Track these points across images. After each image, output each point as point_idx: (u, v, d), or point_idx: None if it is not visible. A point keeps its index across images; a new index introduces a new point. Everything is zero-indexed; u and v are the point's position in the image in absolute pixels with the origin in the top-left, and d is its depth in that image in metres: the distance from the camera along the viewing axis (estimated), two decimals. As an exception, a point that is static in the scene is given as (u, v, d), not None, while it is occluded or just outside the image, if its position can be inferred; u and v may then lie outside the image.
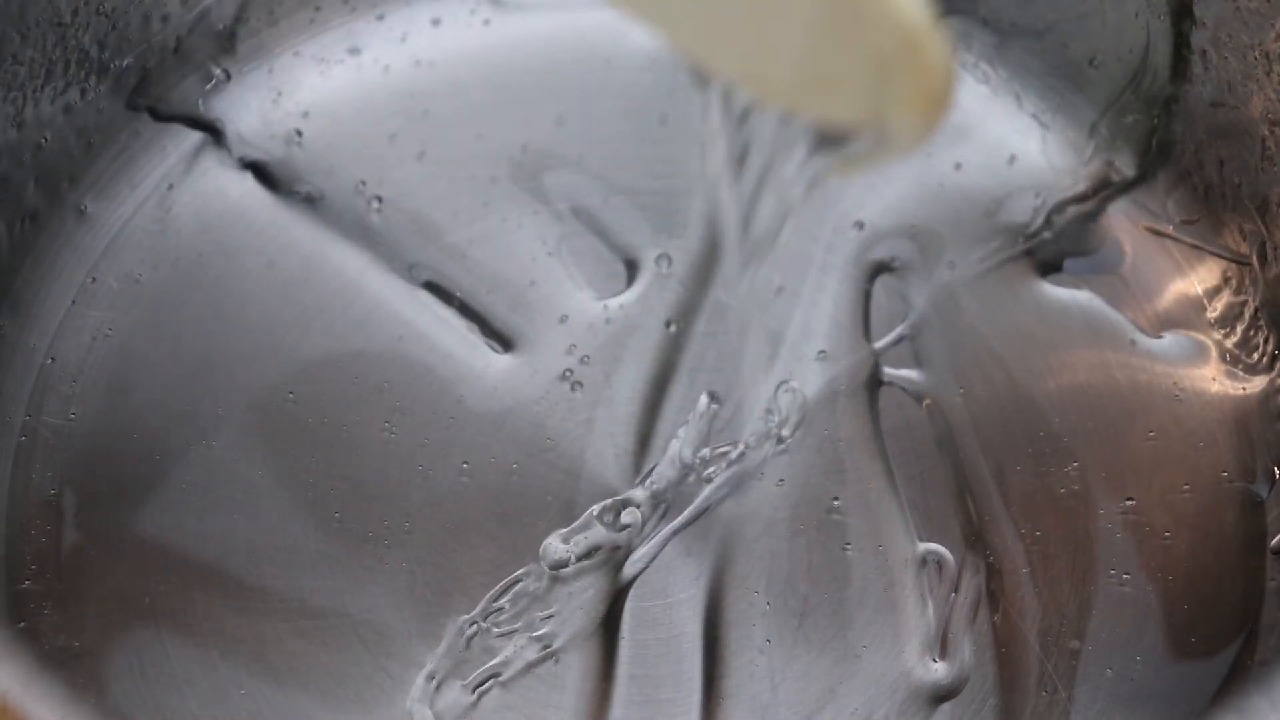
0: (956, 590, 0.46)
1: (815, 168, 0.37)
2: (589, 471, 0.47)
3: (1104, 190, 0.52)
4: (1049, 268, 0.52)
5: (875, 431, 0.48)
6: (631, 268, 0.51)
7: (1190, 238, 0.51)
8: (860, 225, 0.52)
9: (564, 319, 0.50)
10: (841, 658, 0.45)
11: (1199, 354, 0.50)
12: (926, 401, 0.49)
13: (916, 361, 0.50)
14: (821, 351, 0.49)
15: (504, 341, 0.49)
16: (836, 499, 0.47)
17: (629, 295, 0.50)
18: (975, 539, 0.47)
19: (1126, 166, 0.52)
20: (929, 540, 0.47)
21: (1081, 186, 0.53)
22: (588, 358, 0.49)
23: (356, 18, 0.55)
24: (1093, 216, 0.52)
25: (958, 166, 0.53)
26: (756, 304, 0.45)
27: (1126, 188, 0.52)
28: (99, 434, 0.47)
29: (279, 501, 0.47)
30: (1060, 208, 0.52)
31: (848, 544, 0.47)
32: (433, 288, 0.50)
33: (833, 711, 0.44)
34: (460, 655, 0.45)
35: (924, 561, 0.46)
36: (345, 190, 0.52)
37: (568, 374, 0.49)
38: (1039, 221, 0.52)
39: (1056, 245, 0.52)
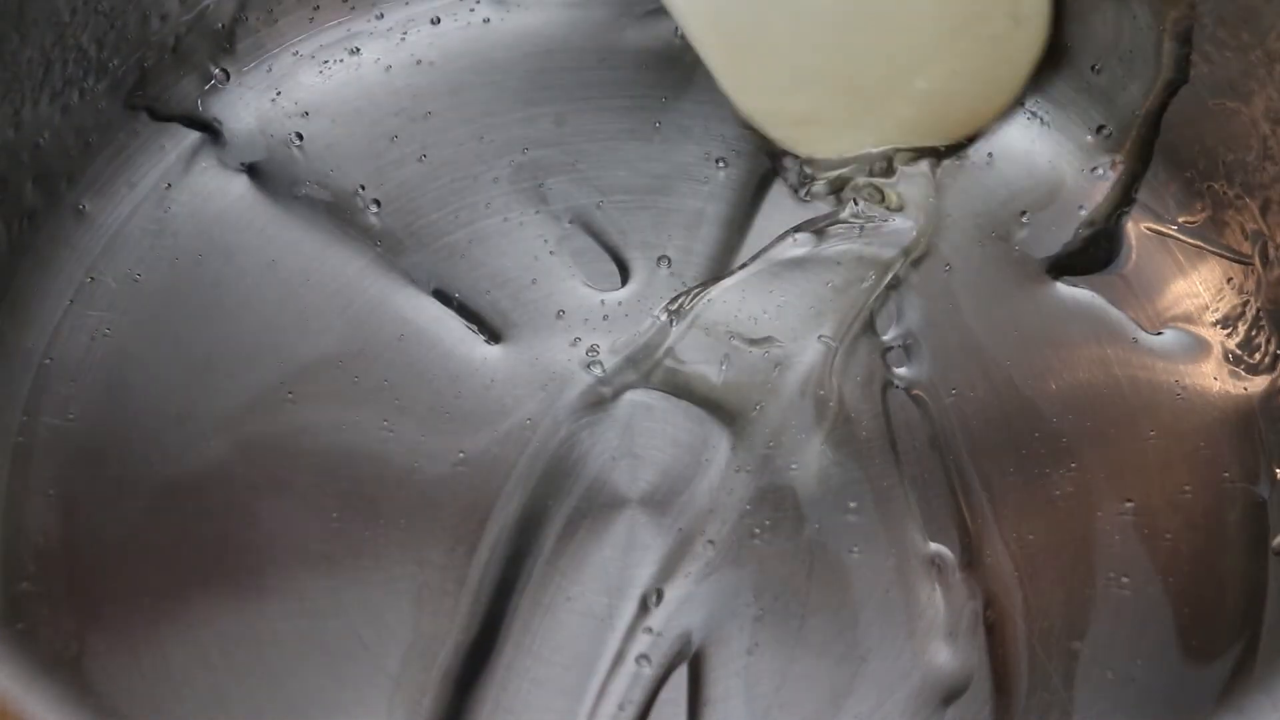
0: (958, 591, 0.46)
1: None
2: (589, 469, 0.47)
3: (1117, 204, 0.52)
4: (1051, 268, 0.51)
5: (885, 430, 0.48)
6: (631, 266, 0.51)
7: (1192, 237, 0.51)
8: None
9: (564, 316, 0.50)
10: (845, 659, 0.45)
11: (1201, 353, 0.50)
12: (924, 400, 0.49)
13: (915, 361, 0.50)
14: (822, 335, 0.50)
15: (504, 340, 0.49)
16: (853, 503, 0.47)
17: (628, 293, 0.50)
18: (974, 540, 0.47)
19: (1129, 166, 0.52)
20: (929, 541, 0.47)
21: (1095, 197, 0.53)
22: (588, 355, 0.49)
23: (356, 17, 0.55)
24: (1113, 234, 0.52)
25: (957, 164, 0.53)
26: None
27: (1133, 191, 0.52)
28: (97, 434, 0.47)
29: (278, 501, 0.47)
30: (1080, 227, 0.52)
31: (854, 545, 0.47)
32: (429, 283, 0.50)
33: (835, 713, 0.44)
34: None
35: (930, 562, 0.46)
36: (345, 190, 0.52)
37: (568, 372, 0.49)
38: (1042, 233, 0.52)
39: (1067, 259, 0.52)
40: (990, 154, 0.53)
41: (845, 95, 0.45)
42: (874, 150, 0.49)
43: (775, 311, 0.50)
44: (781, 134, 0.49)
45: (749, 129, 0.51)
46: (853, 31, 0.43)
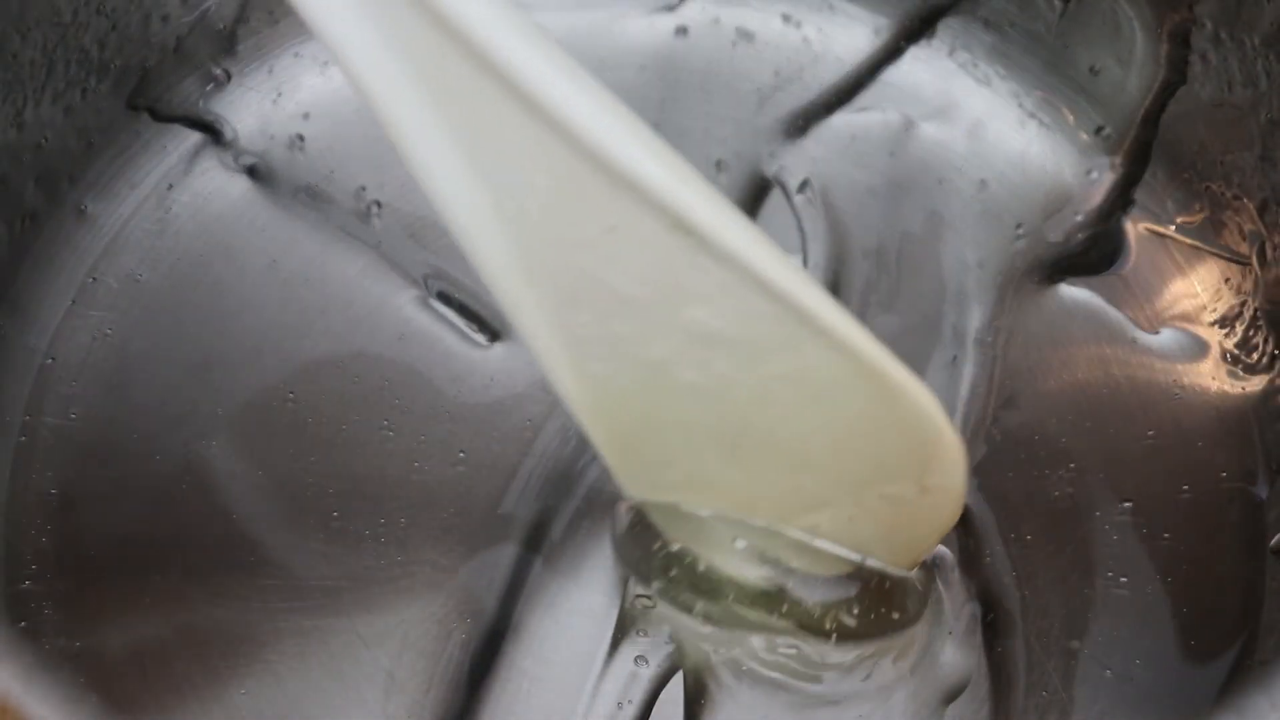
0: (956, 591, 0.46)
1: None
2: (590, 470, 0.47)
3: (1115, 206, 0.52)
4: (1051, 270, 0.51)
5: None
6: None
7: (1190, 238, 0.51)
8: None
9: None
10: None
11: (1199, 353, 0.50)
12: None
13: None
14: None
15: (504, 340, 0.49)
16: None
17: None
18: (972, 540, 0.47)
19: (1128, 167, 0.52)
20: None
21: (1094, 198, 0.52)
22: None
23: (357, 18, 0.55)
24: (1112, 235, 0.52)
25: (956, 167, 0.53)
26: None
27: (1132, 191, 0.52)
28: (98, 434, 0.47)
29: (278, 501, 0.47)
30: (1079, 229, 0.52)
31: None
32: (433, 287, 0.50)
33: (837, 713, 0.44)
34: None
35: (930, 562, 0.46)
36: (346, 191, 0.52)
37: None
38: (1048, 231, 0.52)
39: (1071, 258, 0.52)
40: (1011, 156, 0.53)
41: (741, 514, 0.42)
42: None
43: None
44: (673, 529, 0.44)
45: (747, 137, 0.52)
46: (751, 458, 0.40)
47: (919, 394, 0.38)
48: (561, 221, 0.35)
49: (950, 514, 0.42)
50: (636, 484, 0.42)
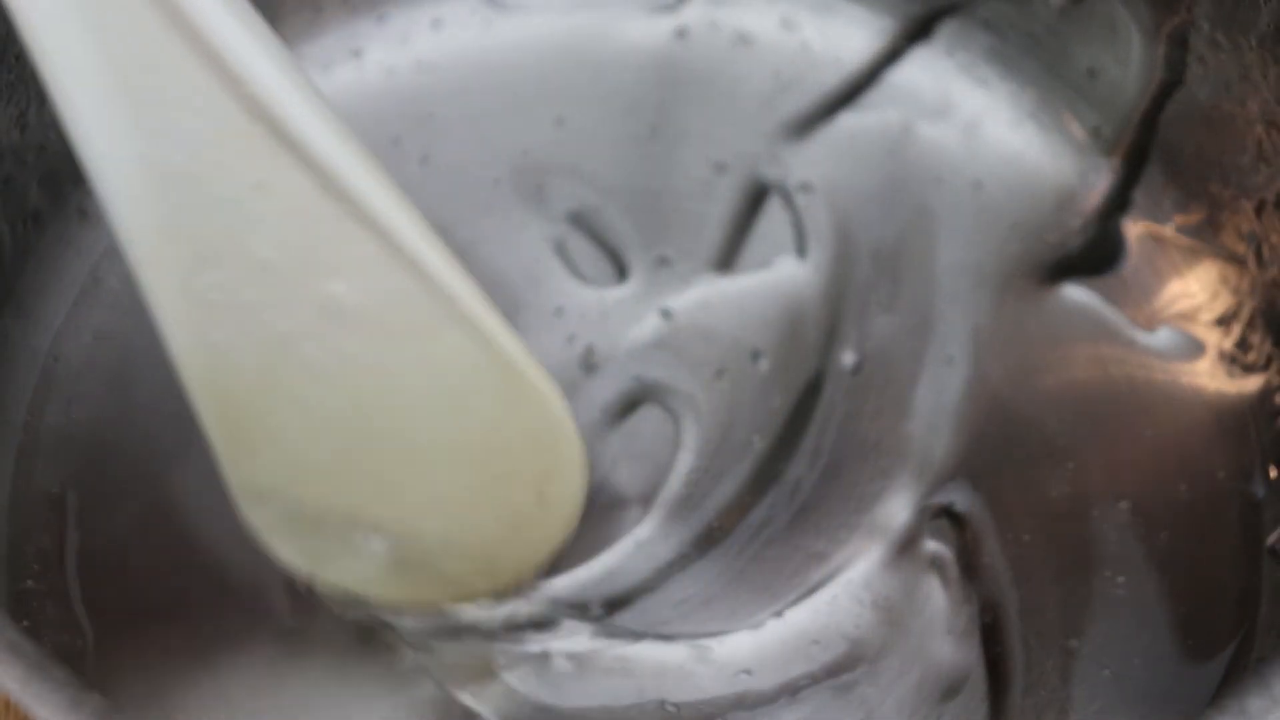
0: (955, 589, 0.46)
1: None
2: (593, 465, 0.47)
3: (1113, 206, 0.52)
4: (1050, 272, 0.52)
5: None
6: (631, 267, 0.51)
7: (1188, 238, 0.52)
8: None
9: (562, 315, 0.50)
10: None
11: (1196, 353, 0.50)
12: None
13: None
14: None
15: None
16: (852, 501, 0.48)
17: (626, 291, 0.50)
18: (971, 539, 0.47)
19: (1126, 168, 0.53)
20: (927, 539, 0.47)
21: (1092, 199, 0.53)
22: (587, 354, 0.49)
23: (357, 19, 0.55)
24: (1110, 236, 0.52)
25: (954, 168, 0.53)
26: None
27: (1130, 192, 0.52)
28: (101, 433, 0.48)
29: (281, 500, 0.47)
30: (1077, 229, 0.52)
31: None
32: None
33: (838, 711, 0.45)
34: None
35: (929, 561, 0.47)
36: (347, 191, 0.52)
37: (567, 370, 0.49)
38: (1046, 231, 0.52)
39: (1069, 259, 0.52)
40: (1008, 157, 0.53)
41: (346, 517, 0.39)
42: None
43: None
44: (283, 546, 0.41)
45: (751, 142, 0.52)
46: (367, 449, 0.37)
47: (551, 394, 0.37)
48: (209, 172, 0.32)
49: (562, 528, 0.40)
50: (241, 468, 0.39)
